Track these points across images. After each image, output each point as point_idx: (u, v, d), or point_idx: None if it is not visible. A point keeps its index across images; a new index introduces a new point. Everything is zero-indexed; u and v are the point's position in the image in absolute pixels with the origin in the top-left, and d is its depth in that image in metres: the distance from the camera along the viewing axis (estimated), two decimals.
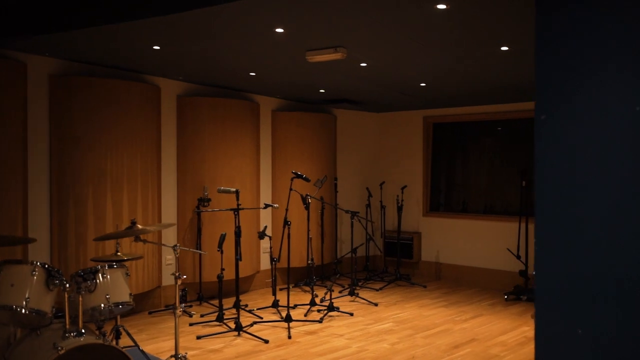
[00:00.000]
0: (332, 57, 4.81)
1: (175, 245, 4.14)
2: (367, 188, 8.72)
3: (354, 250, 7.20)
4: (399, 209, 8.22)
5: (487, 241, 7.97)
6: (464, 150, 8.63)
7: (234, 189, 5.62)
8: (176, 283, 4.14)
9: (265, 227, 6.35)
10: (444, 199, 8.74)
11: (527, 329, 5.89)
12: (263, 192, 7.69)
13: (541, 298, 2.13)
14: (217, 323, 5.87)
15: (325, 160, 8.12)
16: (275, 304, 6.46)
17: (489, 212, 8.19)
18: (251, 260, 7.28)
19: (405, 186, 8.41)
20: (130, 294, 4.00)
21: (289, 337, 5.47)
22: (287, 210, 6.19)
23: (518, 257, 7.36)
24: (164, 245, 4.80)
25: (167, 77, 6.48)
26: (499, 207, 8.17)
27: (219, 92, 7.13)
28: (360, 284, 7.68)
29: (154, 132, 6.30)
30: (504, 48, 4.73)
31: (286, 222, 5.85)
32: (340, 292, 7.46)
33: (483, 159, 8.42)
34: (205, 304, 6.66)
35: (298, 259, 7.70)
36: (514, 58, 5.08)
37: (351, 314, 6.37)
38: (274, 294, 6.54)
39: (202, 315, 6.18)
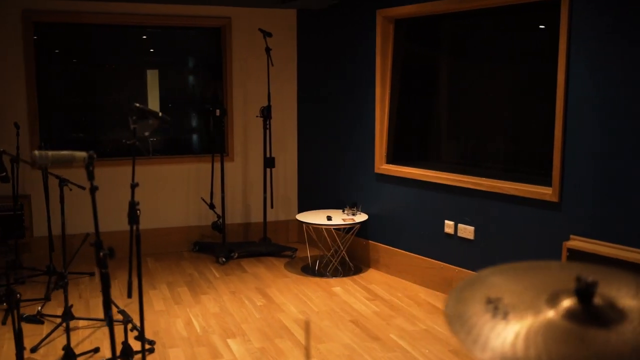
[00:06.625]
0: None
1: None
2: None
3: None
4: (13, 160, 4.94)
5: (157, 191, 5.83)
6: (102, 66, 5.82)
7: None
8: None
9: None
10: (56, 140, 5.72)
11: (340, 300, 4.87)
12: None
13: None
14: None
15: None
16: None
17: (160, 152, 5.92)
18: None
19: (17, 123, 5.09)
20: None
21: None
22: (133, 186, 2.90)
23: (211, 206, 5.77)
24: None
25: None
26: (180, 145, 6.02)
27: None
28: None
29: None
30: None
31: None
32: None
33: (145, 77, 5.89)
34: None
35: None
36: None
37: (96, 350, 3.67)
38: None
39: None
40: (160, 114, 3.26)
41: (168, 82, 6.10)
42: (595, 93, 3.66)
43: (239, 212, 6.18)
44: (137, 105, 3.17)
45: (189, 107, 6.16)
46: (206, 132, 6.17)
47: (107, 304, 2.30)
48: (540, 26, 4.30)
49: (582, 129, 3.74)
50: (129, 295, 3.64)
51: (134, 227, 2.68)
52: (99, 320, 4.12)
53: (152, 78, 6.00)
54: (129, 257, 3.26)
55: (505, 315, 1.23)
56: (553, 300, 1.25)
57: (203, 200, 5.84)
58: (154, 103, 5.98)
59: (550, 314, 1.21)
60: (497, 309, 1.25)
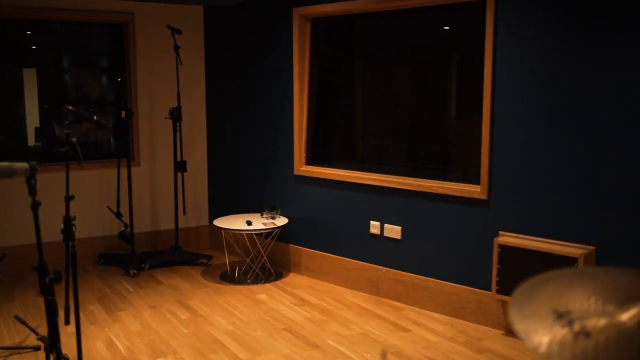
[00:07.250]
0: None
1: None
2: None
3: None
4: None
5: (57, 200, 5.30)
6: None
7: None
8: None
9: None
10: None
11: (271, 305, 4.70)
12: None
13: None
14: None
15: None
16: None
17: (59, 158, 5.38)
18: None
19: None
20: None
21: None
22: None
23: (118, 215, 5.38)
24: None
25: None
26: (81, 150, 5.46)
27: None
28: None
29: None
30: None
31: None
32: None
33: (22, 76, 5.31)
34: None
35: None
36: None
37: None
38: None
39: None
40: (95, 117, 2.93)
41: (62, 82, 5.61)
42: (522, 92, 3.77)
43: (147, 220, 5.82)
44: (70, 108, 2.82)
45: (89, 108, 5.69)
46: (110, 135, 5.75)
47: (55, 334, 2.01)
48: (462, 26, 4.38)
49: (509, 127, 3.85)
50: (67, 322, 3.27)
51: (70, 245, 2.38)
52: (7, 348, 3.69)
53: (31, 78, 5.48)
54: (65, 277, 2.91)
55: (584, 329, 1.17)
56: (622, 308, 1.21)
57: (109, 208, 5.42)
58: (32, 105, 5.47)
59: (624, 323, 1.16)
60: (571, 323, 1.18)
